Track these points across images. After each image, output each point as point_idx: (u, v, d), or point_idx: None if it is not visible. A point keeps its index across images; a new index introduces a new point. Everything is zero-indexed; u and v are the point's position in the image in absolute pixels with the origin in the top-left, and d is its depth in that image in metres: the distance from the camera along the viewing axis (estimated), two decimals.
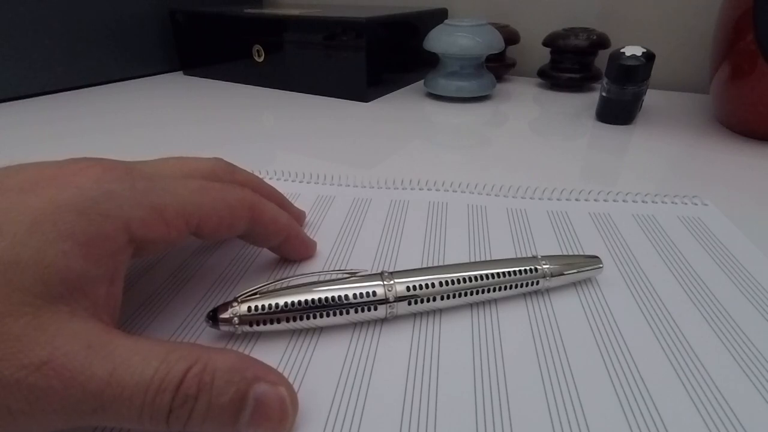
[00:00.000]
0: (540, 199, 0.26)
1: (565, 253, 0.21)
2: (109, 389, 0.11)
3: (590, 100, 0.47)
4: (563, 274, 0.18)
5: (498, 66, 0.52)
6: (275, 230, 0.19)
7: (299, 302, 0.16)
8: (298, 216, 0.23)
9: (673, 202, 0.25)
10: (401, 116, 0.42)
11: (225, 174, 0.19)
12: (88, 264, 0.12)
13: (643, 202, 0.25)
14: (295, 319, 0.16)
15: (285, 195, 0.26)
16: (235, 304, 0.15)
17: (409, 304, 0.16)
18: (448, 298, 0.17)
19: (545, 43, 0.49)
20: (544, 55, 0.51)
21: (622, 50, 0.37)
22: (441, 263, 0.20)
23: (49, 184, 0.12)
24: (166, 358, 0.11)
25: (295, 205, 0.23)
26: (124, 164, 0.15)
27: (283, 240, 0.19)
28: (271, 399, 0.12)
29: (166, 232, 0.14)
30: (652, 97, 0.46)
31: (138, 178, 0.14)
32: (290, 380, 0.14)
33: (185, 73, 0.59)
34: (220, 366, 0.12)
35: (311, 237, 0.21)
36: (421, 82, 0.53)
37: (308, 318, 0.16)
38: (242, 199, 0.17)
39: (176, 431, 0.11)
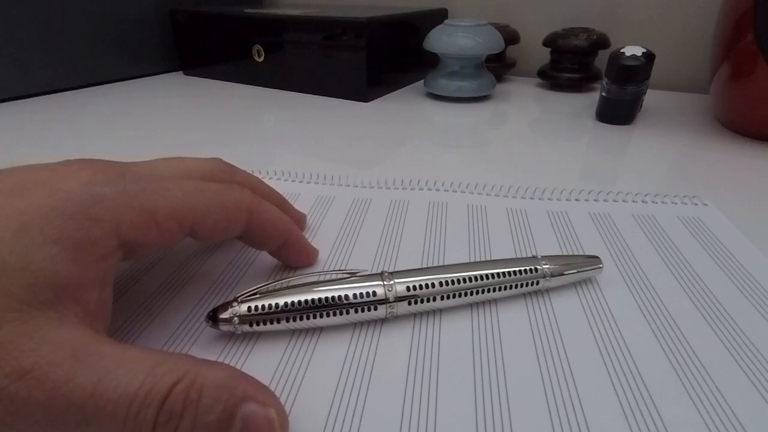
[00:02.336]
0: (540, 199, 0.26)
1: (565, 253, 0.21)
2: (92, 401, 0.10)
3: (590, 100, 0.47)
4: (563, 274, 0.18)
5: (498, 66, 0.52)
6: (274, 234, 0.18)
7: (299, 302, 0.16)
8: (299, 219, 0.23)
9: (673, 202, 0.25)
10: (401, 116, 0.42)
11: (224, 175, 0.19)
12: (77, 269, 0.12)
13: (643, 202, 0.25)
14: (295, 319, 0.16)
15: (285, 195, 0.26)
16: (235, 304, 0.15)
17: (409, 304, 0.16)
18: (448, 298, 0.17)
19: (545, 43, 0.49)
20: (544, 55, 0.51)
21: (622, 50, 0.37)
22: (441, 263, 0.20)
23: (38, 188, 0.12)
24: (152, 371, 0.11)
25: (295, 205, 0.23)
26: (117, 166, 0.14)
27: (282, 245, 0.19)
28: (259, 421, 0.12)
29: (158, 235, 0.14)
30: (652, 97, 0.46)
31: (130, 180, 0.14)
32: (290, 380, 0.14)
33: (185, 73, 0.59)
34: (209, 382, 0.11)
35: (312, 239, 0.21)
36: (421, 82, 0.53)
37: (308, 318, 0.16)
38: (240, 200, 0.17)
39: None
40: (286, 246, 0.19)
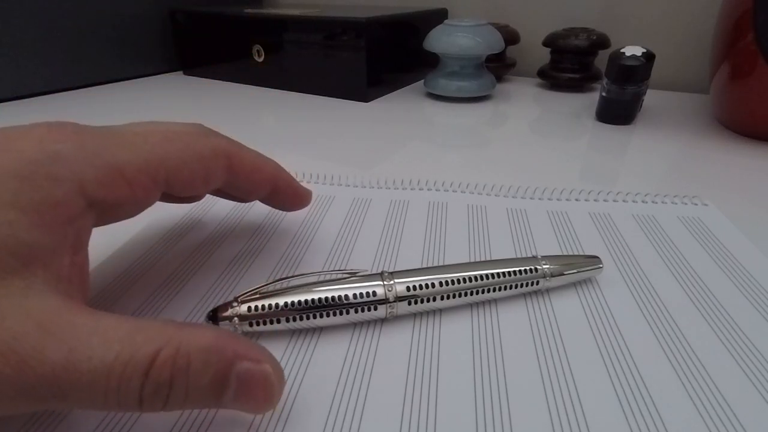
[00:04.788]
0: (540, 199, 0.26)
1: (565, 253, 0.21)
2: (65, 375, 0.10)
3: (590, 100, 0.47)
4: (563, 274, 0.18)
5: (498, 66, 0.52)
6: (260, 179, 0.17)
7: (299, 302, 0.16)
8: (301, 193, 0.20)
9: (673, 203, 0.25)
10: (401, 116, 0.42)
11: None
12: (40, 233, 0.11)
13: (643, 202, 0.25)
14: (295, 319, 0.16)
15: None
16: (235, 303, 0.15)
17: (409, 304, 0.16)
18: (448, 298, 0.17)
19: (545, 43, 0.49)
20: (544, 55, 0.51)
21: (622, 50, 0.37)
22: (441, 263, 0.20)
23: None
24: (129, 340, 0.10)
25: None
26: (73, 123, 0.13)
27: (272, 190, 0.17)
28: (255, 377, 0.11)
29: (130, 193, 0.13)
30: (652, 97, 0.46)
31: (89, 136, 0.13)
32: (290, 380, 0.14)
33: (185, 73, 0.59)
34: (196, 346, 0.11)
35: (312, 239, 0.21)
36: (421, 82, 0.53)
37: (308, 318, 0.16)
38: (215, 147, 0.15)
39: (155, 412, 0.11)
40: (277, 191, 0.18)
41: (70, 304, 0.11)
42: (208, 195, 0.22)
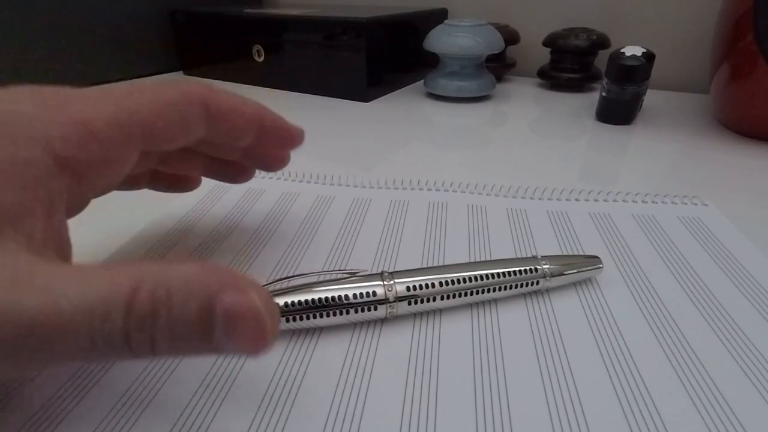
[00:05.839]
0: (540, 199, 0.26)
1: (565, 253, 0.21)
2: (45, 320, 0.09)
3: (590, 100, 0.47)
4: (563, 274, 0.18)
5: (498, 66, 0.52)
6: (243, 122, 0.15)
7: (299, 302, 0.16)
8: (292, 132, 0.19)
9: (673, 202, 0.25)
10: (401, 116, 0.42)
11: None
12: (6, 194, 0.11)
13: (643, 202, 0.25)
14: (295, 319, 0.16)
15: (285, 195, 0.26)
16: None
17: (409, 304, 0.16)
18: (448, 298, 0.17)
19: (545, 43, 0.49)
20: (544, 55, 0.51)
21: (622, 50, 0.37)
22: (441, 263, 0.20)
23: None
24: (109, 280, 0.10)
25: (295, 205, 0.23)
26: (30, 85, 0.12)
27: (258, 133, 0.16)
28: (242, 310, 0.10)
29: (103, 150, 0.12)
30: (652, 97, 0.46)
31: (50, 94, 0.12)
32: (290, 380, 0.14)
33: (185, 73, 0.59)
34: (177, 278, 0.10)
35: (312, 239, 0.21)
36: (421, 82, 0.53)
37: (308, 318, 0.16)
38: (188, 92, 0.14)
39: (147, 355, 0.10)
40: (264, 133, 0.16)
41: (43, 261, 0.11)
42: (207, 194, 0.22)
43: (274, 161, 0.18)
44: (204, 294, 0.10)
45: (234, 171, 0.20)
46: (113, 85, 0.14)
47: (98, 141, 0.12)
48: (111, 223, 0.23)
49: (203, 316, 0.10)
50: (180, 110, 0.14)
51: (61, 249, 0.12)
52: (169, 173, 0.19)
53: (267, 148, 0.17)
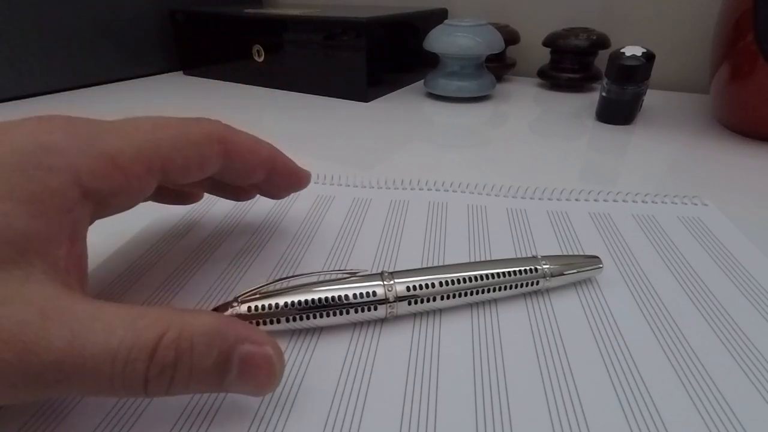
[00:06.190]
0: (540, 199, 0.26)
1: (565, 253, 0.21)
2: (69, 360, 0.10)
3: (590, 100, 0.47)
4: (563, 274, 0.18)
5: (498, 66, 0.52)
6: (257, 161, 0.17)
7: (299, 302, 0.16)
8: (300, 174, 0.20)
9: (673, 202, 0.25)
10: (401, 116, 0.42)
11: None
12: (36, 223, 0.11)
13: (643, 202, 0.25)
14: (295, 319, 0.16)
15: None
16: (235, 304, 0.15)
17: (409, 304, 0.16)
18: (448, 298, 0.17)
19: (545, 43, 0.49)
20: (544, 55, 0.51)
21: (622, 50, 0.37)
22: (441, 263, 0.20)
23: None
24: (133, 325, 0.11)
25: (295, 205, 0.23)
26: (64, 115, 0.13)
27: (269, 173, 0.17)
28: (257, 359, 0.11)
29: (125, 182, 0.13)
30: (652, 97, 0.46)
31: (81, 126, 0.13)
32: (290, 380, 0.14)
33: (185, 73, 0.59)
34: (198, 330, 0.11)
35: (312, 239, 0.21)
36: (421, 82, 0.53)
37: (308, 318, 0.16)
38: (209, 131, 0.15)
39: (157, 396, 0.11)
40: (275, 173, 0.17)
41: (68, 292, 0.11)
42: (207, 195, 0.22)
43: (277, 195, 0.19)
44: (225, 345, 0.11)
45: (238, 192, 0.21)
46: (140, 118, 0.15)
47: (122, 174, 0.13)
48: (111, 222, 0.23)
49: (220, 363, 0.11)
50: (200, 149, 0.15)
51: (81, 275, 0.13)
52: (174, 189, 0.20)
53: (274, 185, 0.18)
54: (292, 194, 0.26)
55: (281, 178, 0.18)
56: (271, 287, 0.16)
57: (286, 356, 0.15)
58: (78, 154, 0.12)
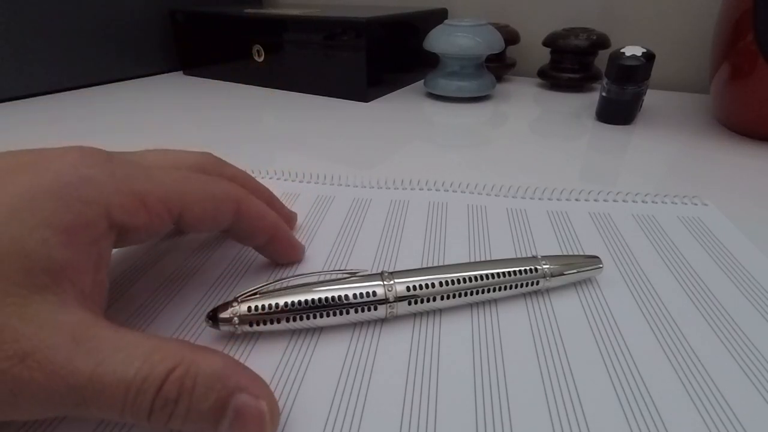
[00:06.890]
0: (540, 199, 0.26)
1: (565, 253, 0.21)
2: (90, 386, 0.11)
3: (590, 100, 0.47)
4: (563, 274, 0.18)
5: (498, 66, 0.52)
6: (261, 228, 0.18)
7: (299, 302, 0.16)
8: (288, 217, 0.22)
9: (673, 202, 0.25)
10: (401, 116, 0.42)
11: (213, 168, 0.19)
12: (70, 252, 0.12)
13: (643, 202, 0.25)
14: (295, 319, 0.16)
15: (285, 195, 0.26)
16: (235, 304, 0.15)
17: (409, 304, 0.16)
18: (448, 298, 0.17)
19: (545, 43, 0.49)
20: (544, 55, 0.51)
21: (622, 50, 0.37)
22: (441, 263, 0.20)
23: (26, 171, 0.12)
24: (149, 358, 0.11)
25: (295, 205, 0.23)
26: (104, 151, 0.14)
27: (269, 240, 0.19)
28: (250, 412, 0.12)
29: (148, 220, 0.14)
30: (652, 97, 0.46)
31: (118, 164, 0.14)
32: (290, 380, 0.14)
33: (185, 73, 0.59)
34: (204, 371, 0.12)
35: (312, 239, 0.21)
36: (421, 82, 0.53)
37: (308, 318, 0.16)
38: (228, 192, 0.17)
39: (158, 428, 0.12)
40: (273, 241, 0.19)
41: (95, 319, 0.12)
42: None
43: (273, 260, 0.20)
44: (223, 392, 0.11)
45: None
46: (171, 169, 0.16)
47: (147, 213, 0.14)
48: None
49: (216, 408, 0.11)
50: (217, 204, 0.16)
51: (102, 300, 0.14)
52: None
53: (271, 251, 0.19)
54: (292, 194, 0.26)
55: (278, 246, 0.19)
56: (270, 287, 0.16)
57: (286, 356, 0.15)
58: (113, 191, 0.13)
